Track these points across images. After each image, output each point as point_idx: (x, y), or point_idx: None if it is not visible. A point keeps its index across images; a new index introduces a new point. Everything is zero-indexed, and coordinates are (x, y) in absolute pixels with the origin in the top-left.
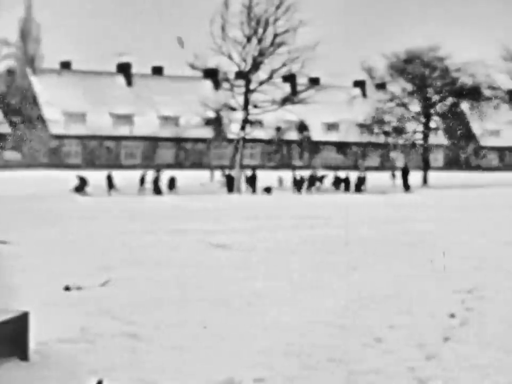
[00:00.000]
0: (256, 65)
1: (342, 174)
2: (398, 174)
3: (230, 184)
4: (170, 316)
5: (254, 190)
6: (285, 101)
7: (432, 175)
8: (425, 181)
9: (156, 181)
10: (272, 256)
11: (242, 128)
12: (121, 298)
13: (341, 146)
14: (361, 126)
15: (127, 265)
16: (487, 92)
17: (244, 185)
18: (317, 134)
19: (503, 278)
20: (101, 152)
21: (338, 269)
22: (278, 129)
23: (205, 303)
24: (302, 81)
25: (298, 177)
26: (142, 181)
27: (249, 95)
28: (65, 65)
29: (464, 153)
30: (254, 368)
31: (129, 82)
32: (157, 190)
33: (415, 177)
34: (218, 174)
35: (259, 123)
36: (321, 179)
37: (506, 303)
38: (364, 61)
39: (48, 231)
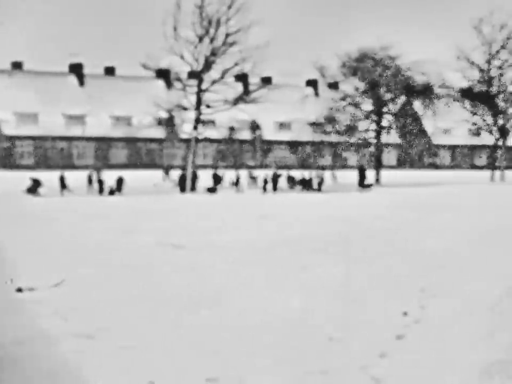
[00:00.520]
0: (208, 65)
1: (295, 174)
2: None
3: (183, 184)
4: (120, 317)
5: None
6: (237, 100)
7: (385, 174)
8: (377, 179)
9: (99, 181)
10: (223, 255)
11: (195, 128)
12: (73, 300)
13: (293, 146)
14: (314, 125)
15: (82, 266)
16: (439, 90)
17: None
18: (269, 133)
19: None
20: (54, 152)
21: (284, 266)
22: (231, 128)
23: (152, 303)
24: (254, 80)
25: (259, 177)
26: (90, 181)
27: (201, 95)
28: (17, 66)
29: (416, 151)
30: None
31: (81, 83)
32: (100, 190)
33: (368, 175)
34: (173, 174)
35: (212, 123)
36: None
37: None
38: (316, 60)
39: (0, 232)
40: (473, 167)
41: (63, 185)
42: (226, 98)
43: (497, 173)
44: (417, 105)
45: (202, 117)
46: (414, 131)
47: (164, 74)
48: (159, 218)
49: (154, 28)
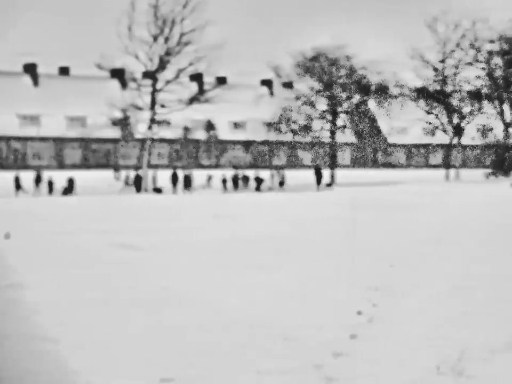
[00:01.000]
0: (163, 65)
1: (249, 173)
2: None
3: (138, 184)
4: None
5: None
6: (192, 100)
7: (340, 173)
8: (332, 179)
9: (49, 182)
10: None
11: (150, 127)
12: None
13: (248, 145)
14: (269, 124)
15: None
16: (394, 90)
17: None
18: (224, 133)
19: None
20: (8, 153)
21: (232, 266)
22: (186, 128)
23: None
24: (209, 80)
25: (215, 177)
26: (37, 181)
27: (156, 95)
28: None
29: (371, 150)
30: None
31: (35, 83)
32: (50, 190)
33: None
34: (123, 173)
35: (166, 123)
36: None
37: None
38: (271, 60)
39: None
40: (429, 166)
41: (17, 186)
42: (181, 98)
43: (452, 171)
44: (372, 104)
45: (157, 117)
46: (369, 130)
47: (118, 74)
48: (113, 219)
49: (109, 27)
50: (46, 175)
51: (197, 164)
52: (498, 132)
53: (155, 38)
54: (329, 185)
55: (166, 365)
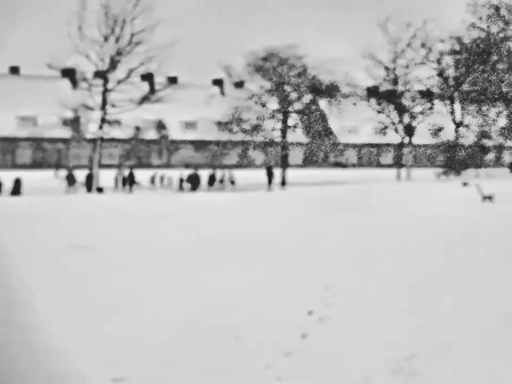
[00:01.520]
0: (113, 65)
1: (202, 173)
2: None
3: (89, 184)
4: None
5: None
6: (143, 100)
7: (291, 173)
8: (283, 178)
9: None
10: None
11: (100, 127)
12: None
13: (199, 145)
14: (220, 124)
15: None
16: (345, 89)
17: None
18: (175, 132)
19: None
20: None
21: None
22: (137, 128)
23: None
24: (160, 80)
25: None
26: None
27: (107, 95)
28: None
29: (322, 150)
30: None
31: None
32: None
33: (275, 174)
34: (62, 172)
35: (117, 122)
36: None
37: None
38: (222, 59)
39: None
40: (380, 165)
41: None
42: (132, 98)
43: (403, 171)
44: (323, 104)
45: (107, 117)
46: (320, 130)
47: (69, 73)
48: (67, 220)
49: (60, 27)
50: None
51: (148, 163)
52: (449, 131)
53: (106, 38)
54: (283, 184)
55: None
